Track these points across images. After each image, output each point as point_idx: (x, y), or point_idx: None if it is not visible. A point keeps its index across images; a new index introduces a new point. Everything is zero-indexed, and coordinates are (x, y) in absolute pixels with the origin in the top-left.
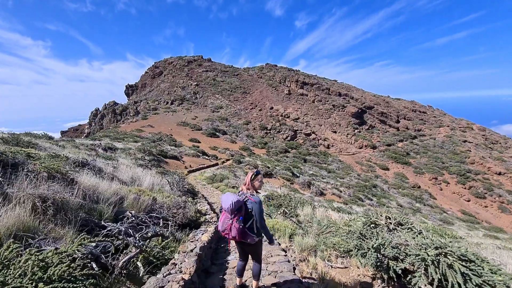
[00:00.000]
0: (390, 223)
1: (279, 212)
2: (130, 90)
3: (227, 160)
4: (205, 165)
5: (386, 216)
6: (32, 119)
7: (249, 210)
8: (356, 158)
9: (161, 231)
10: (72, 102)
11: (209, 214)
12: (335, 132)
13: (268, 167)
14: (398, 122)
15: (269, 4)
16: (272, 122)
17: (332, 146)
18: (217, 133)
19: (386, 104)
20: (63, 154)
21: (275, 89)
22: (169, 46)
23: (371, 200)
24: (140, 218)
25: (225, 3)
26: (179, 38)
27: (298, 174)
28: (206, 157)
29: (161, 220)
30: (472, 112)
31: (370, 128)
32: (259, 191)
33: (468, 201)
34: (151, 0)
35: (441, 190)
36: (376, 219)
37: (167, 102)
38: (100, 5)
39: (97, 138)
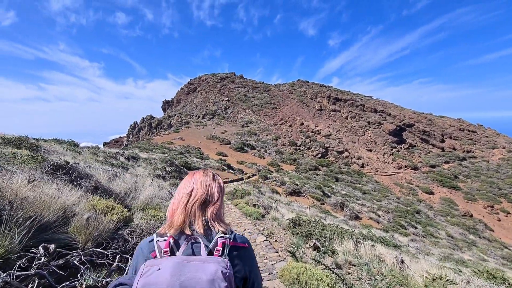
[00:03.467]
0: None
1: (308, 245)
2: (167, 105)
3: (253, 175)
4: (229, 179)
5: None
6: (82, 132)
7: (242, 277)
8: (395, 179)
9: (104, 280)
10: (118, 117)
11: None
12: (370, 150)
13: (297, 185)
14: (443, 141)
15: (302, 24)
16: (302, 138)
17: (367, 165)
18: (245, 148)
19: (429, 122)
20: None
21: (306, 104)
22: (205, 66)
23: (415, 228)
24: (80, 253)
25: (260, 26)
26: (215, 59)
27: (329, 194)
28: (232, 171)
29: (117, 256)
30: None
31: (410, 147)
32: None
33: None
34: (192, 24)
35: (499, 220)
36: None
37: (199, 116)
38: (148, 30)
39: (129, 148)
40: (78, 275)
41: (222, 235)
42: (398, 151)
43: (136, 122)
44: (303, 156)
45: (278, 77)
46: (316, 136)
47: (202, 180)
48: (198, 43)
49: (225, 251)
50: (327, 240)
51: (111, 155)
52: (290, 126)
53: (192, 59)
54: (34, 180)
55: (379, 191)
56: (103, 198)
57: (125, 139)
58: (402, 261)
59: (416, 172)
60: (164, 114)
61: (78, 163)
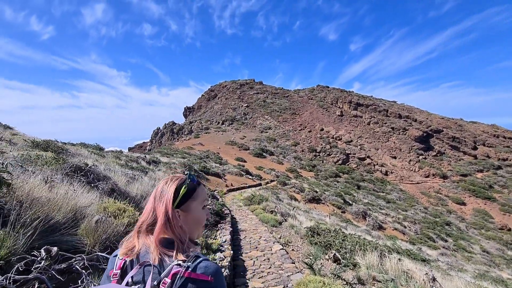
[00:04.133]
0: None
1: (327, 257)
2: (188, 111)
3: (272, 181)
4: (247, 185)
5: None
6: (111, 138)
7: None
8: (421, 188)
9: None
10: (143, 123)
11: (223, 251)
12: (394, 157)
13: (316, 192)
14: (475, 148)
15: (323, 30)
16: (322, 144)
17: (391, 172)
18: (264, 153)
19: (459, 128)
20: (78, 159)
21: (326, 110)
22: (226, 73)
23: (445, 241)
24: (84, 257)
25: (280, 32)
26: (235, 66)
27: (350, 202)
28: (250, 177)
29: None
30: None
31: (438, 155)
32: (196, 240)
33: None
34: (213, 34)
35: None
36: None
37: (219, 122)
38: (172, 40)
39: (151, 153)
40: (79, 281)
41: (180, 262)
42: (425, 158)
43: (159, 128)
44: (323, 162)
45: (298, 83)
46: (336, 142)
47: (152, 195)
48: (219, 51)
49: (175, 284)
50: (348, 252)
51: (133, 159)
52: (309, 132)
53: (213, 66)
54: (51, 181)
55: (405, 200)
56: (118, 201)
57: (148, 144)
58: (434, 279)
59: (445, 181)
60: (185, 120)
61: (96, 166)
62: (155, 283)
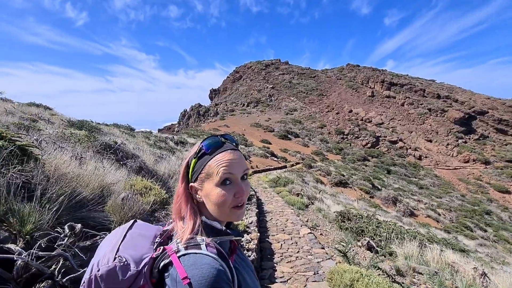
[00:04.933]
0: None
1: (360, 244)
2: (213, 93)
3: (297, 163)
4: (272, 167)
5: None
6: (141, 120)
7: None
8: (459, 174)
9: None
10: (170, 106)
11: (249, 233)
12: (430, 141)
13: (343, 175)
14: None
15: (355, 3)
16: (350, 127)
17: (426, 157)
18: (289, 136)
19: (507, 109)
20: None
21: (356, 91)
22: (251, 53)
23: (485, 231)
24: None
25: (308, 7)
26: (261, 46)
27: (379, 187)
28: (275, 159)
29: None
30: None
31: (481, 138)
32: (236, 221)
33: None
34: (238, 12)
35: None
36: None
37: (244, 104)
38: (197, 21)
39: (178, 134)
40: None
41: (177, 240)
42: (465, 142)
43: (186, 110)
44: (350, 145)
45: (325, 62)
46: (366, 125)
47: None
48: (244, 30)
49: (158, 260)
50: (383, 240)
51: (161, 139)
52: (337, 113)
53: (238, 47)
54: (81, 157)
55: (439, 186)
56: (146, 179)
57: (176, 126)
58: (484, 274)
59: (487, 167)
60: (211, 102)
61: (125, 144)
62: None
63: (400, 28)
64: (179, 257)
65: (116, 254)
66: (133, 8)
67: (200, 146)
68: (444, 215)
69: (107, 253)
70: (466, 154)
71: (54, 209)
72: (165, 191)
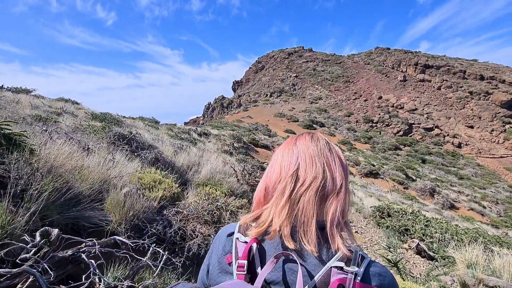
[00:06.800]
0: None
1: (407, 246)
2: (236, 85)
3: None
4: None
5: None
6: (170, 113)
7: None
8: (506, 163)
9: (125, 285)
10: (195, 99)
11: None
12: (471, 127)
13: (373, 165)
14: None
15: None
16: (379, 114)
17: (466, 145)
18: (314, 125)
19: None
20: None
21: (386, 75)
22: (273, 44)
23: None
24: (95, 243)
25: None
26: (284, 35)
27: (414, 177)
28: None
29: (150, 248)
30: None
31: None
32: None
33: None
34: (261, 1)
35: None
36: None
37: (267, 95)
38: (219, 13)
39: (203, 126)
40: (84, 276)
41: (342, 264)
42: None
43: (210, 103)
44: (380, 134)
45: (352, 48)
46: (397, 111)
47: (312, 151)
48: (266, 20)
49: None
50: (435, 242)
51: (185, 130)
52: (365, 100)
53: (261, 37)
54: (88, 148)
55: (483, 176)
56: (160, 171)
57: (201, 118)
58: None
59: None
60: (234, 94)
61: (140, 134)
62: None
63: (435, 5)
64: (362, 281)
65: None
66: (157, 4)
67: (346, 162)
68: (490, 208)
69: None
70: None
71: (32, 209)
72: (178, 185)
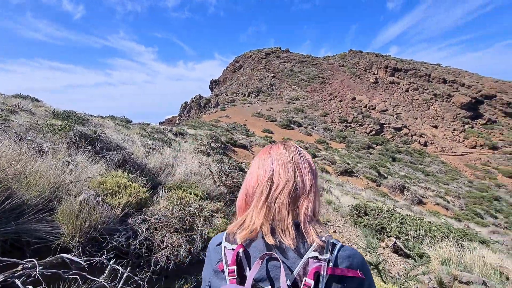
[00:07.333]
0: None
1: (384, 245)
2: (214, 84)
3: None
4: None
5: None
6: (142, 113)
7: None
8: (466, 160)
9: None
10: (171, 98)
11: None
12: (435, 127)
13: (348, 164)
14: None
15: None
16: (353, 114)
17: (431, 143)
18: (292, 125)
19: None
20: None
21: (359, 77)
22: (251, 43)
23: (495, 217)
24: (36, 264)
25: None
26: (261, 34)
27: (385, 175)
28: None
29: (109, 264)
30: None
31: (488, 123)
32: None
33: None
34: (238, 0)
35: None
36: None
37: (244, 94)
38: (196, 11)
39: (179, 126)
40: None
41: (316, 253)
42: (471, 127)
43: (187, 102)
44: (354, 133)
45: (327, 50)
46: (370, 112)
47: (284, 158)
48: (243, 19)
49: (320, 286)
50: (410, 239)
51: (159, 130)
52: (340, 101)
53: (238, 36)
54: (40, 149)
55: (446, 173)
56: (127, 173)
57: (177, 118)
58: None
59: (495, 152)
60: (212, 93)
61: (106, 134)
62: (289, 283)
63: (403, 12)
64: (335, 266)
65: None
66: None
67: (315, 166)
68: (453, 202)
69: None
70: (473, 139)
71: None
72: (147, 189)
